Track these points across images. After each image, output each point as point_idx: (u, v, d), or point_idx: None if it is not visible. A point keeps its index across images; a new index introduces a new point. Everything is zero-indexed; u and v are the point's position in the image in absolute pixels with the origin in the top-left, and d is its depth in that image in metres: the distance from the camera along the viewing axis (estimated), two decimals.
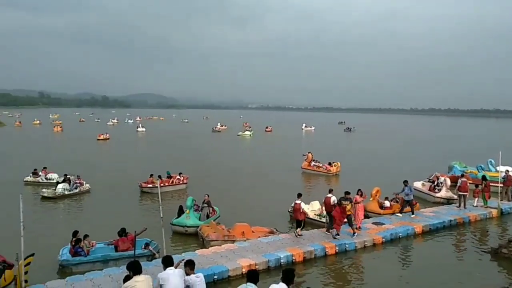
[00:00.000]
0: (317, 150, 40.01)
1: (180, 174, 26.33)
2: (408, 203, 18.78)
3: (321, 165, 33.59)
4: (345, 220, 15.67)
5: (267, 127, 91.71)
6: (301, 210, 15.73)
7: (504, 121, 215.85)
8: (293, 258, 13.56)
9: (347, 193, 15.73)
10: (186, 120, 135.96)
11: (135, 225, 14.32)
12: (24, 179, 27.05)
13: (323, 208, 17.10)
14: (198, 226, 16.44)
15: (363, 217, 16.84)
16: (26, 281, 10.70)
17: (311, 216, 18.02)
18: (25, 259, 10.52)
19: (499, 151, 21.65)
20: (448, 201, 22.51)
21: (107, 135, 62.53)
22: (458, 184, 20.48)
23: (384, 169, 34.57)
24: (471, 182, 22.39)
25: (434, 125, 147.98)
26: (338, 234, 15.26)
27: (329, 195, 16.26)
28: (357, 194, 16.80)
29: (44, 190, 23.32)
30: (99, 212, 20.32)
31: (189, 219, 16.72)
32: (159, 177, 24.85)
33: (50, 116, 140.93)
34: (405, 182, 19.11)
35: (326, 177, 32.12)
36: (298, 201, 15.87)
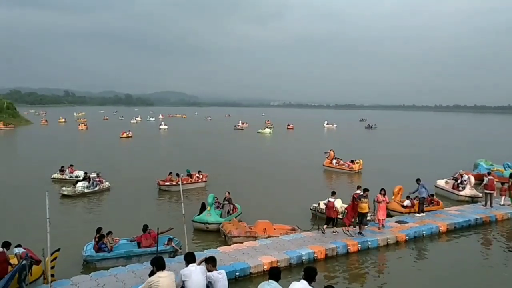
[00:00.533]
0: (339, 147, 39.64)
1: (199, 172, 26.30)
2: (421, 201, 18.45)
3: (343, 162, 33.34)
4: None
5: (288, 125, 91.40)
6: (334, 209, 15.91)
7: None
8: (315, 255, 13.52)
9: (365, 190, 15.68)
10: (209, 118, 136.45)
11: (155, 222, 14.46)
12: (52, 176, 27.57)
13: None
14: (219, 223, 16.56)
15: (385, 217, 16.46)
16: (52, 276, 10.99)
17: None
18: (51, 254, 10.78)
19: None
20: (472, 199, 22.08)
21: (130, 133, 62.97)
22: (484, 182, 20.05)
23: (407, 167, 33.97)
24: (497, 180, 21.87)
25: (459, 122, 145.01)
26: (352, 230, 15.50)
27: (332, 199, 16.26)
28: (380, 193, 16.48)
29: (64, 188, 23.59)
30: (118, 210, 20.53)
31: (210, 216, 16.84)
32: (177, 175, 24.71)
33: (75, 114, 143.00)
34: (418, 180, 18.86)
35: (348, 174, 31.85)
36: (331, 199, 16.10)
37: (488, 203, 19.75)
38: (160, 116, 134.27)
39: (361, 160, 32.87)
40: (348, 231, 15.49)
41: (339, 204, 18.48)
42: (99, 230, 13.77)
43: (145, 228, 14.13)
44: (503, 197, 20.38)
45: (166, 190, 24.42)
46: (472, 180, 22.92)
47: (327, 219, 16.02)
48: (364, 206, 15.17)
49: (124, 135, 61.38)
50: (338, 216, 16.50)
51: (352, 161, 32.93)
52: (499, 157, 33.72)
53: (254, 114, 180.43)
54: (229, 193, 18.87)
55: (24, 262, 10.01)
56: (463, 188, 22.74)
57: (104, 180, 24.96)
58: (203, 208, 17.48)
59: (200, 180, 25.91)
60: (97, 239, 13.43)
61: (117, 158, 39.32)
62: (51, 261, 10.88)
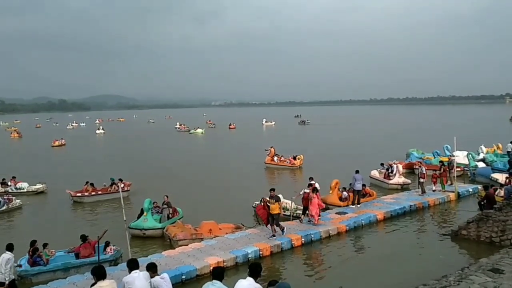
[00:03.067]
0: (278, 144, 39.92)
1: (120, 180, 23.85)
2: (356, 193, 19.06)
3: (284, 159, 33.92)
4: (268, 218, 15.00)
5: (230, 124, 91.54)
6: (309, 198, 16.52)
7: (459, 107, 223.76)
8: (261, 252, 13.68)
9: (272, 190, 14.87)
10: (152, 121, 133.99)
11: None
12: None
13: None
14: (157, 229, 16.19)
15: (318, 211, 16.14)
16: None
17: None
18: None
19: (454, 136, 22.43)
20: (402, 187, 23.29)
21: (63, 140, 59.73)
22: (422, 172, 20.83)
23: (344, 160, 34.97)
24: (427, 168, 23.11)
25: (392, 114, 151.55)
26: (273, 236, 14.59)
27: (307, 190, 16.81)
28: (308, 187, 16.54)
29: None
30: (32, 227, 18.80)
31: (147, 221, 16.34)
32: (92, 184, 23.71)
33: (0, 124, 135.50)
34: (357, 172, 19.39)
35: (290, 170, 32.46)
36: (307, 190, 16.68)
37: (421, 190, 20.83)
38: (97, 121, 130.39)
39: (302, 156, 33.57)
40: (274, 230, 14.85)
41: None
42: (33, 243, 13.01)
43: (84, 237, 13.64)
44: (435, 184, 21.50)
45: (79, 202, 22.93)
46: (400, 168, 24.31)
47: (303, 208, 16.90)
48: (274, 207, 14.46)
49: (57, 143, 58.00)
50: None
51: (294, 157, 33.56)
52: (429, 146, 35.59)
53: (195, 115, 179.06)
54: (167, 197, 18.39)
55: None
56: (393, 177, 23.90)
57: (14, 198, 22.50)
58: (141, 213, 16.92)
59: (117, 190, 23.40)
60: (31, 253, 12.76)
61: (43, 170, 35.38)
62: None
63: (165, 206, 17.89)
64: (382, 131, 70.00)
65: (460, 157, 26.68)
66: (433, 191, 21.15)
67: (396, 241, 15.31)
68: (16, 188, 25.84)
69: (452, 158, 23.45)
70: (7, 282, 10.22)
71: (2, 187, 25.79)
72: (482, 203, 15.74)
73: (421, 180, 20.57)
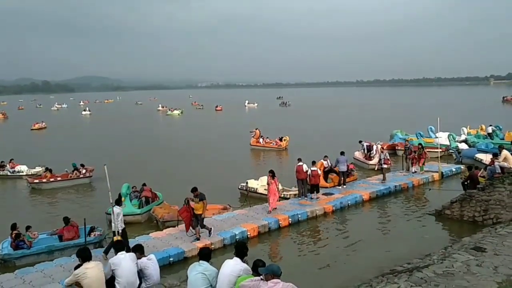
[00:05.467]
0: (261, 126, 39.61)
1: (82, 166, 23.33)
2: (342, 175, 19.22)
3: (270, 140, 33.94)
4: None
5: (217, 106, 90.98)
6: (319, 175, 17.49)
7: (444, 89, 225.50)
8: (248, 233, 13.77)
9: (194, 189, 13.15)
10: (140, 102, 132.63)
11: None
12: None
13: (296, 175, 17.43)
14: (135, 214, 15.81)
15: (274, 201, 15.70)
16: None
17: (260, 191, 18.28)
18: None
19: (437, 118, 22.62)
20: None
21: (43, 123, 57.85)
22: (384, 157, 20.45)
23: (329, 141, 34.91)
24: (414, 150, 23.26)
25: (378, 95, 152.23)
26: (198, 239, 13.01)
27: (300, 163, 17.26)
28: (269, 174, 15.98)
29: None
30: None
31: (125, 207, 15.51)
32: (49, 170, 22.89)
33: None
34: (342, 153, 19.47)
35: (276, 151, 32.53)
36: (313, 168, 17.33)
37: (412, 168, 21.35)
38: (82, 103, 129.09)
39: (287, 137, 33.61)
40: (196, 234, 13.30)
41: (265, 181, 18.89)
42: (14, 226, 12.94)
43: (66, 220, 13.52)
44: (414, 166, 21.52)
45: (36, 189, 22.13)
46: (379, 148, 24.54)
47: (311, 186, 17.25)
48: (198, 207, 12.89)
49: (37, 126, 56.06)
50: (257, 192, 18.06)
51: (280, 139, 33.59)
52: (415, 127, 35.74)
53: (181, 96, 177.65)
54: (145, 184, 17.82)
55: None
56: (373, 157, 24.13)
57: None
58: (119, 199, 16.62)
59: (81, 176, 22.99)
60: (13, 236, 12.67)
61: (18, 154, 31.39)
62: None
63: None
64: (366, 112, 70.27)
65: (443, 138, 26.96)
66: (413, 172, 21.26)
67: (381, 221, 15.53)
68: (14, 171, 25.20)
69: (407, 143, 23.83)
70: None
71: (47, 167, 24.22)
72: (466, 183, 15.97)
73: (384, 166, 20.07)
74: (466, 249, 10.15)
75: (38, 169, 24.38)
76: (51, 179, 22.36)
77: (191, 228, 13.19)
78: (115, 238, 11.60)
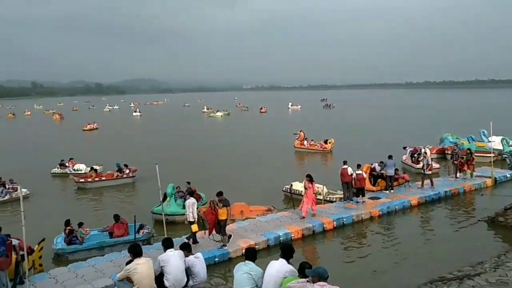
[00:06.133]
0: (305, 128, 39.30)
1: (126, 166, 23.77)
2: (389, 179, 18.74)
3: (315, 142, 33.71)
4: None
5: (261, 108, 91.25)
6: (364, 178, 17.23)
7: (499, 91, 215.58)
8: (292, 235, 13.75)
9: (219, 193, 12.84)
10: (187, 104, 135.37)
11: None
12: (52, 171, 26.42)
13: (341, 179, 17.27)
14: (180, 214, 15.79)
15: (308, 206, 15.20)
16: (41, 265, 11.25)
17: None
18: (38, 244, 10.97)
19: (490, 121, 21.69)
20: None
21: (95, 124, 58.79)
22: (426, 162, 19.55)
23: (376, 144, 34.36)
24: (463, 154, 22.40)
25: (428, 98, 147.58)
26: (224, 246, 12.63)
27: (345, 166, 17.05)
28: (306, 179, 15.46)
29: None
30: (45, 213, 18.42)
31: (170, 207, 16.06)
32: (95, 170, 23.40)
33: (35, 107, 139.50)
34: (390, 157, 18.94)
35: (320, 154, 32.25)
36: (358, 172, 17.06)
37: (458, 174, 20.50)
38: (132, 104, 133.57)
39: (333, 140, 33.26)
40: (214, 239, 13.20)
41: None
42: (67, 222, 13.57)
43: (116, 217, 14.00)
44: (462, 172, 20.56)
45: (82, 188, 22.62)
46: (428, 152, 23.78)
47: (357, 190, 17.09)
48: (222, 212, 12.55)
49: (88, 127, 57.01)
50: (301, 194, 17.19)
51: (325, 141, 33.29)
52: (466, 130, 34.42)
53: (227, 99, 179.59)
54: (189, 182, 17.71)
55: (22, 253, 9.96)
56: (421, 161, 23.38)
57: (19, 187, 16.78)
58: (165, 199, 16.27)
59: (125, 176, 23.45)
60: (67, 232, 13.28)
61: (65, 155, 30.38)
62: (39, 251, 10.98)
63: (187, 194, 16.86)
64: (414, 114, 68.32)
65: (496, 142, 25.86)
66: (464, 178, 20.30)
67: (430, 227, 15.07)
68: (74, 170, 26.05)
69: (455, 147, 22.42)
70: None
71: (61, 168, 26.32)
72: None
73: (427, 172, 19.10)
74: None
75: (96, 167, 24.41)
76: (96, 179, 22.97)
77: (214, 232, 12.97)
78: (193, 227, 12.84)
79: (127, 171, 23.65)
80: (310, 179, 15.43)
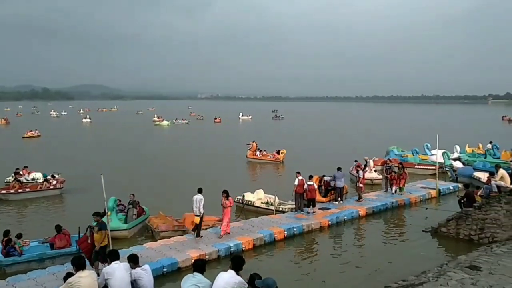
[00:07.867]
0: (256, 138, 39.28)
1: (53, 176, 22.50)
2: (338, 191, 19.01)
3: (267, 153, 33.98)
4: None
5: (216, 118, 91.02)
6: (314, 189, 17.38)
7: (443, 107, 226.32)
8: (243, 246, 13.71)
9: (96, 214, 11.41)
10: (140, 112, 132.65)
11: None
12: (5, 180, 23.73)
13: (296, 189, 17.17)
14: (122, 230, 15.20)
15: (226, 223, 14.59)
16: None
17: (257, 204, 18.29)
18: None
19: (437, 134, 22.68)
20: (372, 181, 23.91)
21: (37, 131, 55.57)
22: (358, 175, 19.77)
23: (324, 156, 35.08)
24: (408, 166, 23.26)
25: (377, 112, 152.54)
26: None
27: (301, 177, 17.18)
28: (223, 195, 14.75)
29: None
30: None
31: (111, 221, 14.82)
32: (19, 181, 21.88)
33: None
34: (339, 169, 19.28)
35: (272, 165, 32.51)
36: (310, 183, 17.21)
37: (389, 189, 20.76)
38: (82, 111, 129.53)
39: (285, 150, 33.63)
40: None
41: (262, 194, 19.31)
42: (6, 233, 12.81)
43: (58, 228, 13.41)
44: (394, 186, 20.56)
45: (3, 199, 20.88)
46: (372, 164, 24.79)
47: (307, 200, 17.15)
48: (97, 237, 10.96)
49: (29, 134, 53.76)
50: (254, 205, 18.24)
51: (278, 152, 33.61)
52: (411, 144, 35.73)
53: (180, 107, 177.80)
54: (133, 195, 16.95)
55: None
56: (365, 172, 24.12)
57: None
58: (104, 213, 16.10)
59: (51, 187, 22.06)
60: (4, 243, 12.57)
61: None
62: None
63: (131, 206, 16.46)
64: (360, 128, 70.48)
65: (438, 155, 27.03)
66: (393, 193, 20.31)
67: (377, 237, 15.47)
68: (30, 179, 24.02)
69: (389, 161, 22.77)
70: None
71: (15, 177, 23.14)
72: (462, 201, 15.96)
73: (359, 185, 19.30)
74: (462, 267, 10.12)
75: (56, 176, 23.11)
76: (20, 190, 21.42)
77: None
78: (196, 219, 13.91)
79: (54, 182, 22.33)
80: (227, 195, 14.71)
